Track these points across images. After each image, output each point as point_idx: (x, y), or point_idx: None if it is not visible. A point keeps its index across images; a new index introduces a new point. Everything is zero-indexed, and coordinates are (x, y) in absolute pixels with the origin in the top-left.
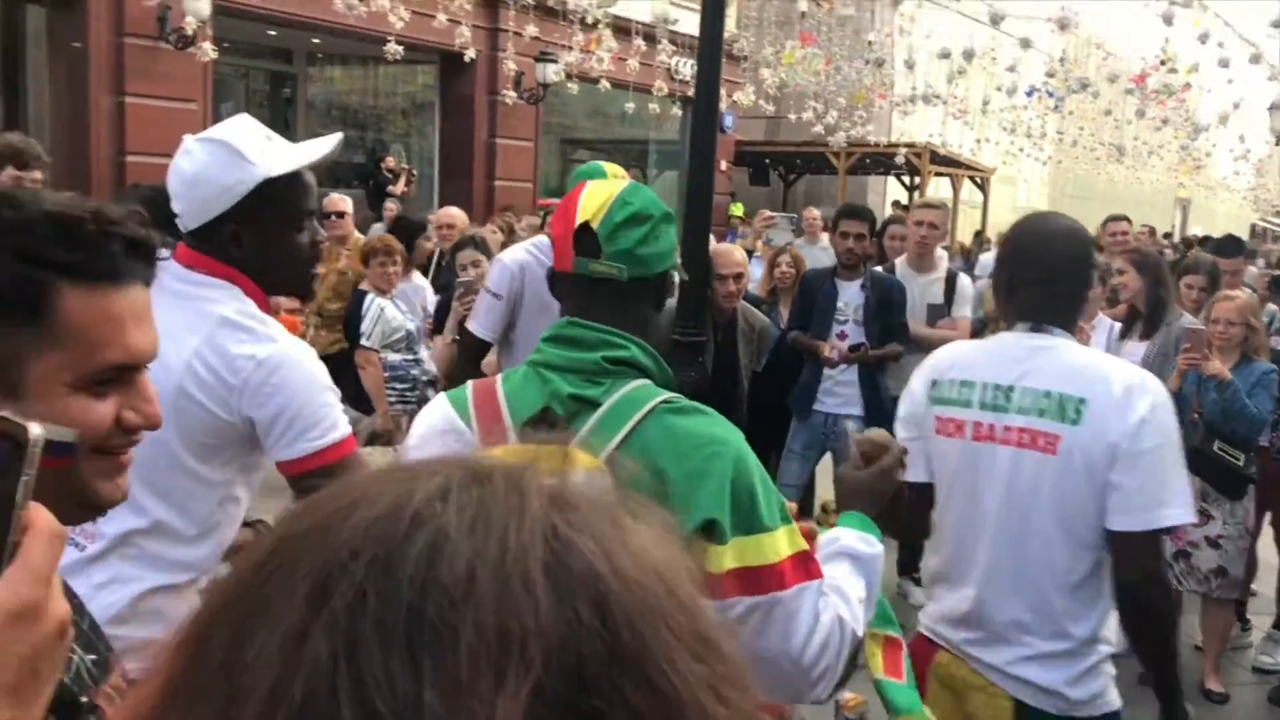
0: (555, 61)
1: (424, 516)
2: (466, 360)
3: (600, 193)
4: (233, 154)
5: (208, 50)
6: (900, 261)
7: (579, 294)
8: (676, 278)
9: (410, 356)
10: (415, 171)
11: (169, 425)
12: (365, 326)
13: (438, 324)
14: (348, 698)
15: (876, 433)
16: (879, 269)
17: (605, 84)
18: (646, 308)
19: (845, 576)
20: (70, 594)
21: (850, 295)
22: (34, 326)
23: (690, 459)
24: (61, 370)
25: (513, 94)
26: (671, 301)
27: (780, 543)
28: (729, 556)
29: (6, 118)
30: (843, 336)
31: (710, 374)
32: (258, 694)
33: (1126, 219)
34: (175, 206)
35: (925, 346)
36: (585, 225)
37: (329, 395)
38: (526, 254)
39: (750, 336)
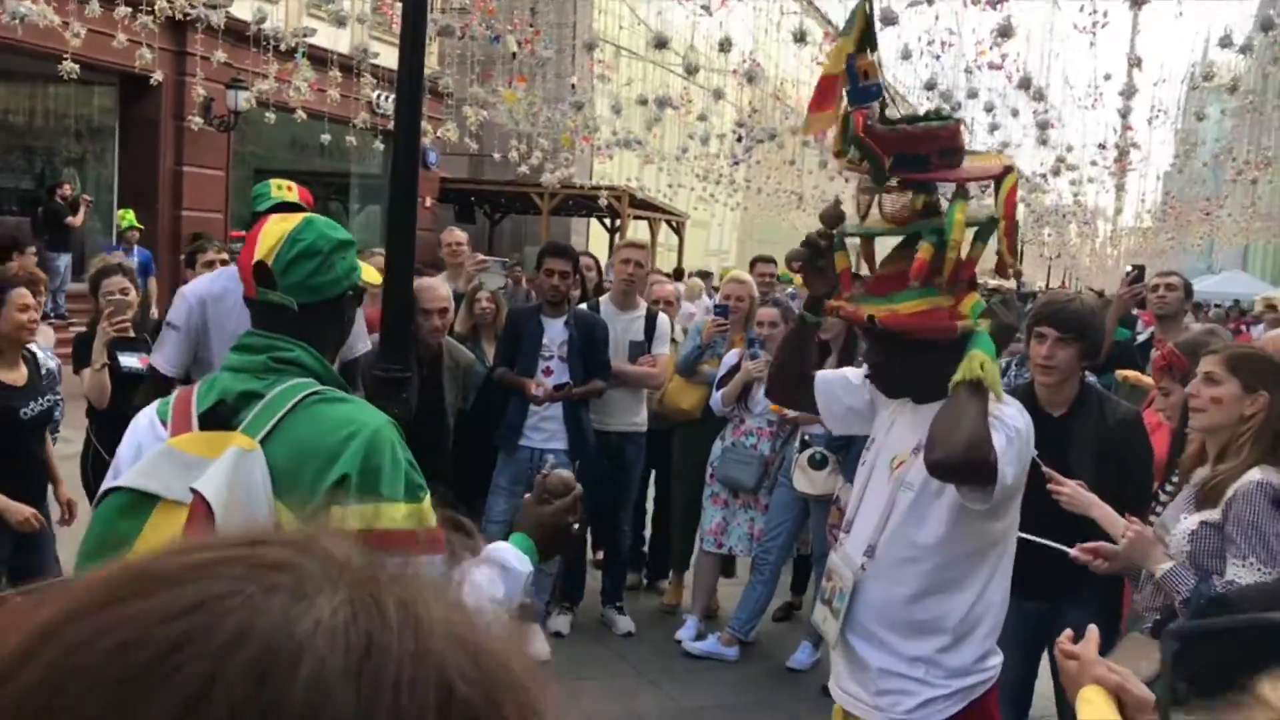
0: (246, 89)
1: (305, 649)
2: (151, 395)
3: (275, 231)
4: None
5: None
6: (604, 300)
7: (262, 315)
8: (359, 291)
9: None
10: (92, 199)
11: None
12: None
13: (79, 357)
14: None
15: (564, 475)
16: (583, 307)
17: (302, 114)
18: (324, 326)
19: (488, 578)
20: None
21: (555, 332)
22: None
23: (330, 439)
24: None
25: (200, 120)
26: (359, 315)
27: (400, 513)
28: (351, 519)
29: None
30: (548, 373)
31: (415, 410)
32: None
33: (773, 260)
34: None
35: (627, 382)
36: (261, 262)
37: None
38: (211, 284)
39: (456, 373)
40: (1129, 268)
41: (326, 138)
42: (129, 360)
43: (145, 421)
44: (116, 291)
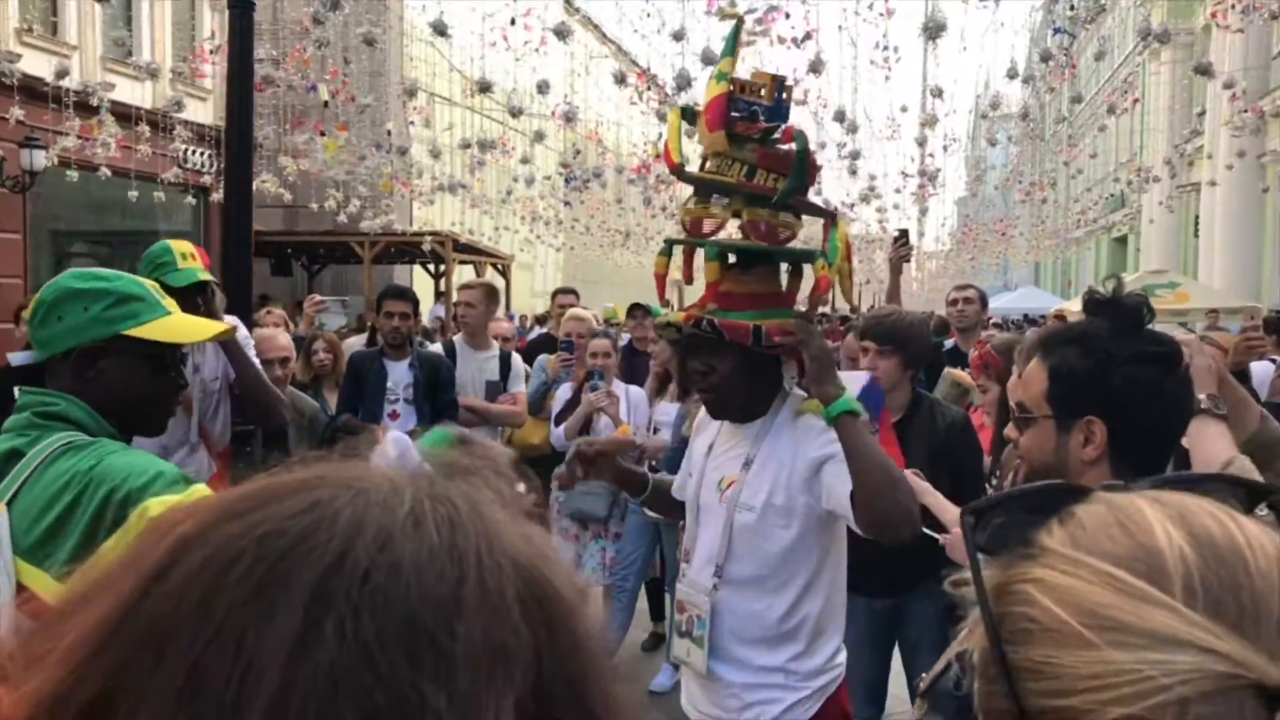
0: (44, 147)
1: (406, 527)
2: None
3: None
4: None
5: None
6: (459, 339)
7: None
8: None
9: None
10: None
11: None
12: None
13: None
14: (352, 704)
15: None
16: (436, 347)
17: (107, 172)
18: (82, 379)
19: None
20: None
21: (400, 374)
22: None
23: (51, 488)
24: None
25: None
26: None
27: (46, 583)
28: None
29: None
30: (394, 416)
31: (261, 462)
32: (259, 699)
33: (573, 291)
34: None
35: (490, 421)
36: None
37: None
38: None
39: (301, 423)
40: (896, 231)
41: (134, 194)
42: None
43: None
44: None
